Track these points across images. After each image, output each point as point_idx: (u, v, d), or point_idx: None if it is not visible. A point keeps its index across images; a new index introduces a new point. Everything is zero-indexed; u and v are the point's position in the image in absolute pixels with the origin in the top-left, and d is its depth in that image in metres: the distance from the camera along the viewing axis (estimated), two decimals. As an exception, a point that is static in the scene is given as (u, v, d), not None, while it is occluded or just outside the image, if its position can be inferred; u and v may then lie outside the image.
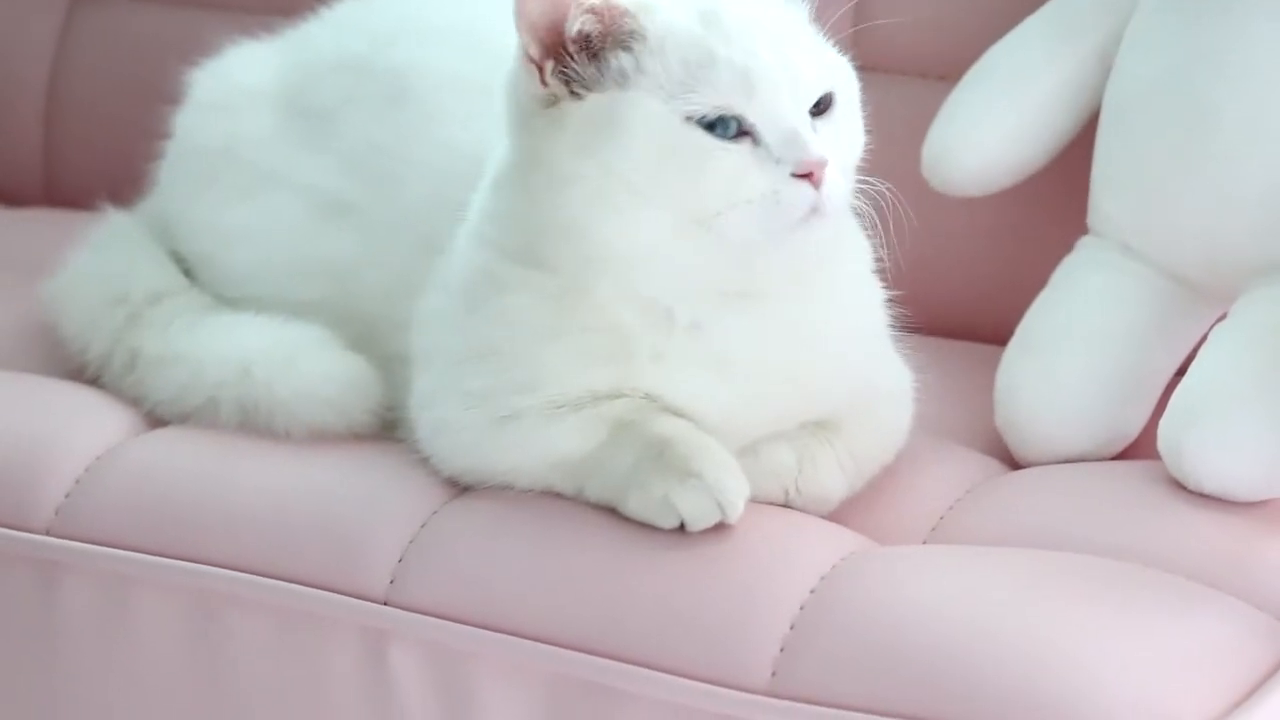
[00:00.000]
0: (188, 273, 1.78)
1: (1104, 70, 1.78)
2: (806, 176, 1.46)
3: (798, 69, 1.48)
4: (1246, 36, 1.66)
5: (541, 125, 1.49)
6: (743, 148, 1.47)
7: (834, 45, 1.55)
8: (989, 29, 1.85)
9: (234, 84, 1.81)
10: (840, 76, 1.52)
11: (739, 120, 1.46)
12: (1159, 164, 1.70)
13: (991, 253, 1.89)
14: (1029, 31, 1.81)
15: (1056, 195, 1.84)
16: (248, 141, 1.77)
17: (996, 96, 1.80)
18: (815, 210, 1.47)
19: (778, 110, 1.47)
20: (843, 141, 1.50)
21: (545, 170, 1.49)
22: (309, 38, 1.82)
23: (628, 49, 1.48)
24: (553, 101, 1.49)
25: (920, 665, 1.41)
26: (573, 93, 1.48)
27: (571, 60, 1.48)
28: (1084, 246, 1.77)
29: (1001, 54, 1.82)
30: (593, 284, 1.50)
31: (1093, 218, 1.77)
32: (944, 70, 1.88)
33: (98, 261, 1.79)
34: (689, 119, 1.46)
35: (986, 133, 1.80)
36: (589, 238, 1.49)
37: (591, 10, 1.47)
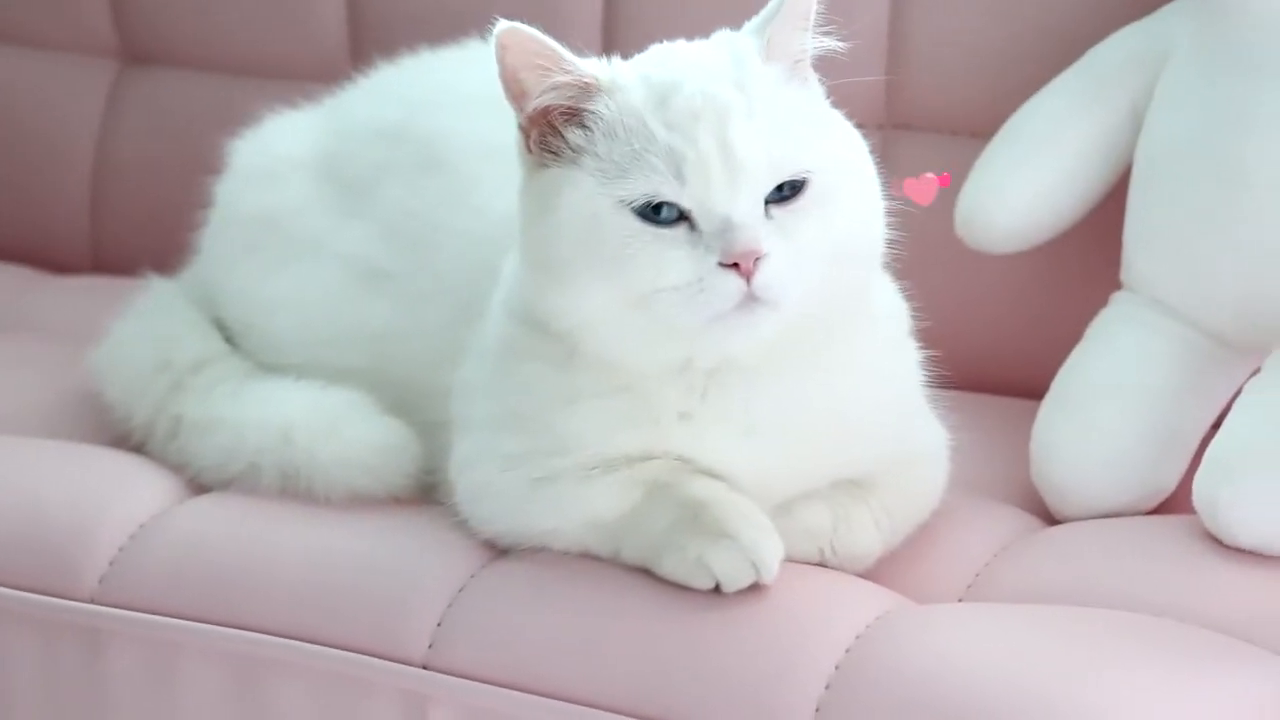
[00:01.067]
0: (230, 339, 1.81)
1: (1135, 127, 1.78)
2: (735, 266, 1.45)
3: (743, 156, 1.45)
4: (1275, 92, 1.67)
5: (527, 192, 1.52)
6: (677, 233, 1.46)
7: (842, 120, 1.53)
8: (1021, 87, 1.86)
9: (273, 153, 1.83)
10: (823, 161, 1.48)
11: (675, 206, 1.47)
12: (1190, 222, 1.71)
13: (1026, 309, 1.90)
14: (1060, 89, 1.82)
15: (1090, 251, 1.85)
16: (287, 210, 1.79)
17: (1029, 154, 1.81)
18: (752, 299, 1.45)
19: (709, 198, 1.46)
20: (813, 229, 1.47)
21: (522, 237, 1.52)
22: (346, 106, 1.84)
23: (585, 127, 1.49)
24: (538, 168, 1.51)
25: (956, 724, 1.42)
26: (544, 163, 1.50)
27: (551, 130, 1.50)
28: (1117, 302, 1.77)
29: (1033, 111, 1.82)
30: (585, 352, 1.51)
31: (1126, 274, 1.78)
32: (976, 128, 1.89)
33: (141, 329, 1.82)
34: (621, 202, 1.47)
35: (1019, 190, 1.80)
36: (547, 307, 1.51)
37: (555, 87, 1.48)
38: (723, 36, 1.53)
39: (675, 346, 1.49)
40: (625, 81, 1.49)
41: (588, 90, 1.49)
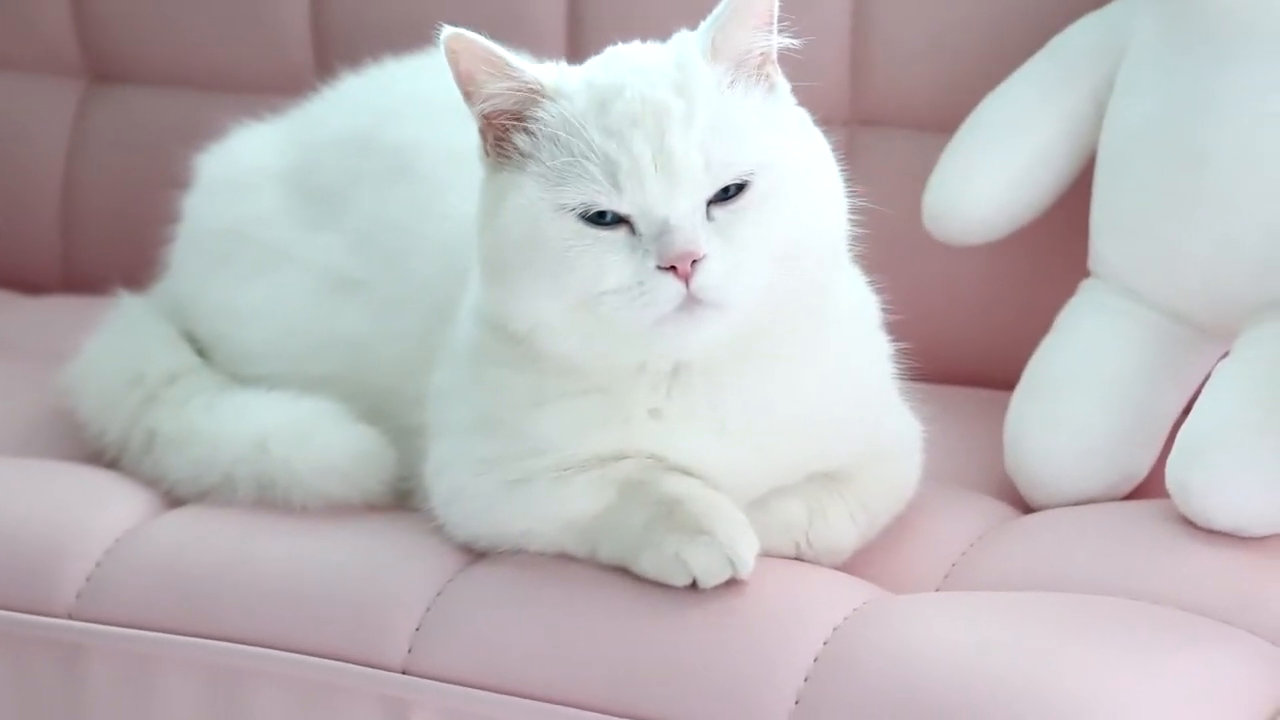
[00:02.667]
0: (202, 353, 1.81)
1: (1099, 115, 1.79)
2: (673, 269, 1.45)
3: (680, 160, 1.46)
4: (1237, 76, 1.67)
5: (484, 193, 1.53)
6: (617, 236, 1.47)
7: (804, 117, 1.53)
8: (985, 80, 1.86)
9: (241, 165, 1.83)
10: (769, 160, 1.48)
11: (613, 211, 1.47)
12: (1155, 206, 1.71)
13: (995, 299, 1.91)
14: (1023, 79, 1.83)
15: (1057, 240, 1.85)
16: (256, 221, 1.80)
17: (993, 145, 1.81)
18: (694, 301, 1.45)
19: (646, 203, 1.46)
20: (756, 229, 1.47)
21: (477, 240, 1.53)
22: (312, 116, 1.85)
23: (530, 132, 1.50)
24: (494, 170, 1.52)
25: (935, 713, 1.42)
26: (499, 166, 1.52)
27: (502, 134, 1.51)
28: (1086, 289, 1.78)
29: (996, 103, 1.83)
30: (545, 354, 1.52)
31: (1093, 261, 1.78)
32: (941, 122, 1.89)
33: (113, 345, 1.82)
34: (562, 208, 1.48)
35: (984, 182, 1.81)
36: (502, 311, 1.52)
37: (499, 93, 1.49)
38: (679, 38, 1.54)
39: (626, 348, 1.50)
40: (569, 87, 1.50)
41: (533, 96, 1.50)
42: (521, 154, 1.50)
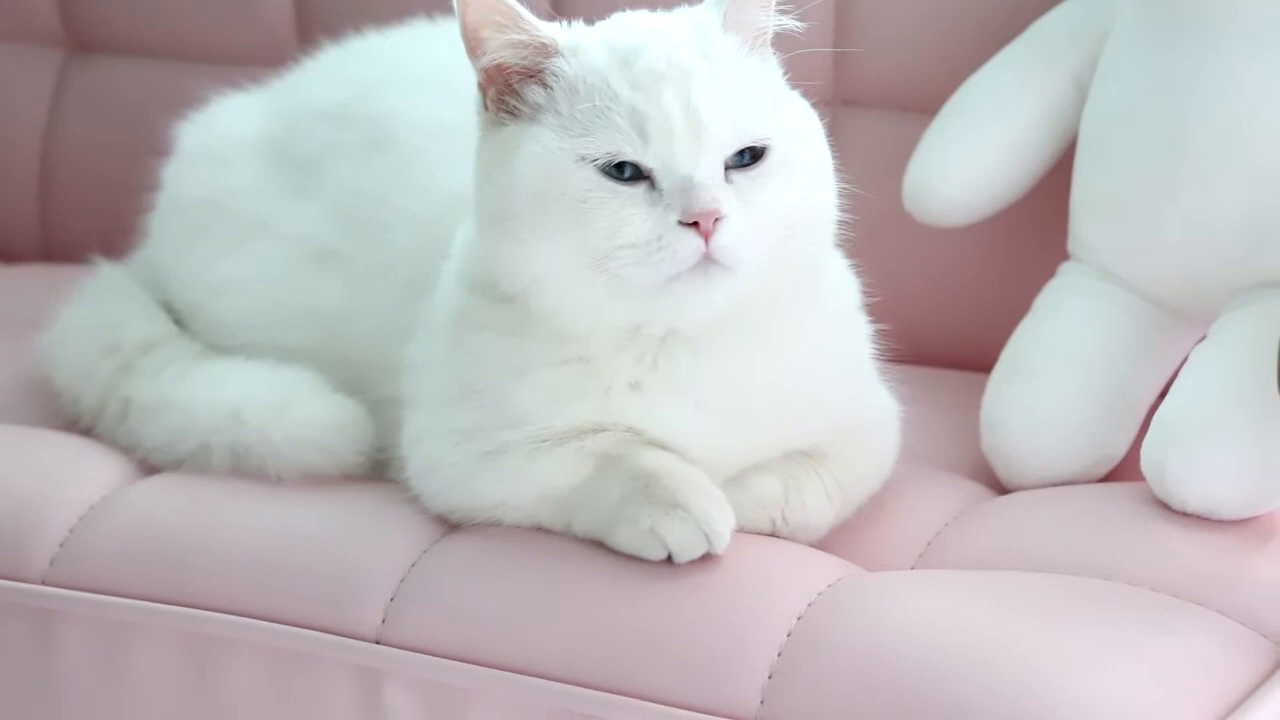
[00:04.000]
0: (179, 322, 1.80)
1: (1080, 98, 1.79)
2: (695, 225, 1.46)
3: (707, 118, 1.47)
4: (1217, 60, 1.68)
5: (483, 149, 1.52)
6: (637, 191, 1.47)
7: (799, 97, 1.54)
8: (967, 62, 1.87)
9: (220, 135, 1.83)
10: (783, 131, 1.50)
11: (636, 165, 1.47)
12: (1135, 189, 1.72)
13: (974, 281, 1.91)
14: (1005, 62, 1.83)
15: (1037, 222, 1.86)
16: (235, 192, 1.79)
17: (974, 127, 1.81)
18: (710, 261, 1.46)
19: (672, 157, 1.47)
20: (771, 197, 1.49)
21: (477, 194, 1.53)
22: (293, 88, 1.84)
23: (545, 85, 1.50)
24: (495, 127, 1.52)
25: (908, 689, 1.42)
26: (501, 121, 1.51)
27: (508, 88, 1.51)
28: (1065, 272, 1.78)
29: (978, 85, 1.83)
30: (536, 316, 1.52)
31: (1073, 244, 1.79)
32: (923, 103, 1.89)
33: (89, 313, 1.81)
34: (582, 159, 1.48)
35: (965, 164, 1.81)
36: (501, 266, 1.51)
37: (511, 45, 1.50)
38: (683, 11, 1.54)
39: (627, 309, 1.50)
40: (587, 43, 1.50)
41: (545, 50, 1.50)
42: (533, 107, 1.50)
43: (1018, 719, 1.39)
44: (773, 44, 1.55)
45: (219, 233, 1.79)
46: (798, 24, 1.53)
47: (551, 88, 1.50)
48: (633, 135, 1.47)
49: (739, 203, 1.47)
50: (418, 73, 1.76)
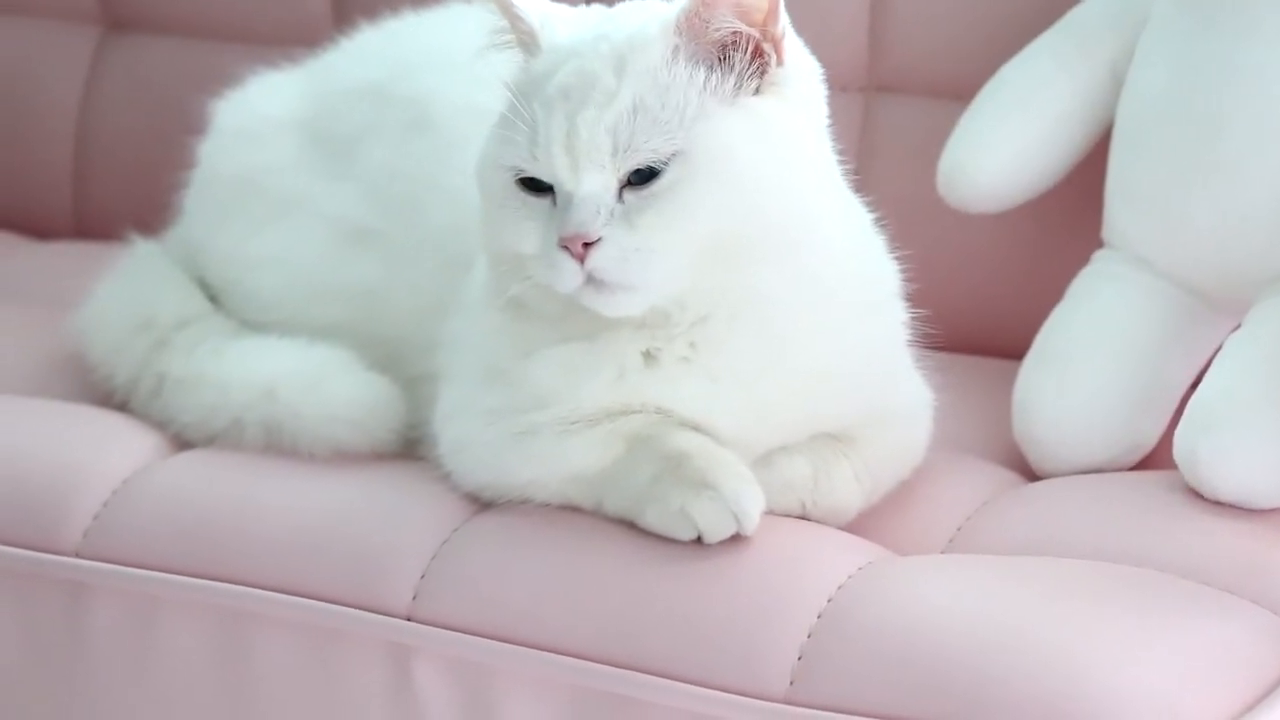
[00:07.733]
0: (213, 299, 1.81)
1: (1116, 85, 1.79)
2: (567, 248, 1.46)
3: (585, 140, 1.46)
4: (1255, 47, 1.67)
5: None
6: (542, 204, 1.49)
7: (767, 109, 1.48)
8: (1002, 48, 1.86)
9: (256, 113, 1.83)
10: (693, 149, 1.46)
11: (538, 180, 1.49)
12: (1170, 177, 1.71)
13: (1008, 268, 1.91)
14: (1041, 49, 1.83)
15: (1071, 210, 1.85)
16: (271, 170, 1.80)
17: (1009, 114, 1.81)
18: (593, 283, 1.46)
19: (555, 176, 1.48)
20: (657, 218, 1.46)
21: None
22: (330, 67, 1.85)
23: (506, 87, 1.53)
24: None
25: (937, 672, 1.42)
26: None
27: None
28: (1099, 260, 1.78)
29: (1013, 72, 1.83)
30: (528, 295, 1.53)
31: (1107, 231, 1.78)
32: (958, 90, 1.89)
33: (124, 290, 1.82)
34: (501, 166, 1.51)
35: (1000, 150, 1.81)
36: (487, 248, 1.55)
37: (499, 29, 1.53)
38: (663, 5, 1.53)
39: (569, 301, 1.50)
40: (550, 44, 1.52)
41: (528, 42, 1.52)
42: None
43: (1047, 702, 1.39)
44: (803, 31, 1.53)
45: (254, 210, 1.80)
46: (790, 28, 1.50)
47: (508, 91, 1.52)
48: (527, 151, 1.49)
49: (624, 224, 1.46)
50: (455, 54, 1.76)
